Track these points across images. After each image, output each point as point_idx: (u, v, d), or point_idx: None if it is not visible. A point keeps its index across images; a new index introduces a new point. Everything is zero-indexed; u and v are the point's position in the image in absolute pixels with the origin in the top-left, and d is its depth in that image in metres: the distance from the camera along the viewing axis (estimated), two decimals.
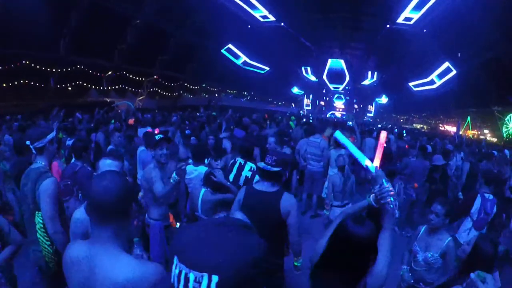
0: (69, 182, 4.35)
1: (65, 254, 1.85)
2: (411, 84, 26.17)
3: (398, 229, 7.43)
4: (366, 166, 2.53)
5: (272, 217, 3.52)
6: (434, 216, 3.75)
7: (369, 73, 33.62)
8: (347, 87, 37.79)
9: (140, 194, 4.76)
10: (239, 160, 5.06)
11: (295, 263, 3.82)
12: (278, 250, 3.73)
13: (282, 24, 24.24)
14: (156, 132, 8.35)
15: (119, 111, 13.06)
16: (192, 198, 4.51)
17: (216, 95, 35.43)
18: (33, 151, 3.30)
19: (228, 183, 4.44)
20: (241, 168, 4.94)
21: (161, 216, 4.42)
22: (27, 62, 16.00)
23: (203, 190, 4.31)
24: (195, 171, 5.10)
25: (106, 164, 3.41)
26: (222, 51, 27.98)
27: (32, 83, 16.64)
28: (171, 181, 4.18)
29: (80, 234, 2.69)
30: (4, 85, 15.28)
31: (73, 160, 5.14)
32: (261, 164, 3.72)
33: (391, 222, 2.34)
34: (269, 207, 3.55)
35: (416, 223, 7.12)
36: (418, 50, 22.71)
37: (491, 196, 5.17)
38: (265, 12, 22.20)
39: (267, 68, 31.69)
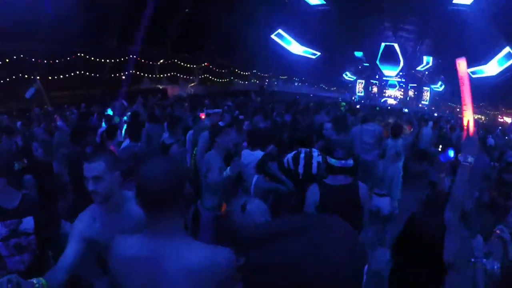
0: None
1: (116, 254, 1.77)
2: (469, 70, 24.86)
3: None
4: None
5: (354, 208, 3.42)
6: None
7: (424, 58, 32.30)
8: (401, 73, 36.54)
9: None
10: (303, 150, 4.84)
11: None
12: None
13: (331, 8, 23.69)
14: (201, 116, 8.54)
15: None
16: (246, 183, 4.58)
17: (267, 80, 35.34)
18: None
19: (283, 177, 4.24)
20: (308, 156, 4.65)
21: (214, 206, 4.46)
22: (81, 55, 16.71)
23: (255, 176, 4.28)
24: (252, 156, 4.94)
25: None
26: (272, 36, 27.86)
27: (87, 73, 17.37)
28: (224, 174, 4.25)
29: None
30: (61, 76, 16.06)
31: (127, 141, 5.39)
32: (332, 161, 3.56)
33: (456, 198, 2.33)
34: (350, 200, 3.45)
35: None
36: (476, 34, 21.48)
37: None
38: None
39: (318, 53, 31.25)
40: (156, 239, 1.69)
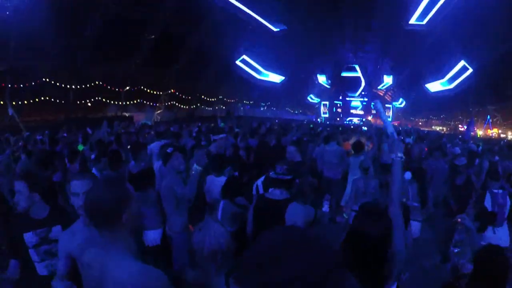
0: None
1: (81, 260, 2.00)
2: (427, 85, 25.82)
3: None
4: (391, 132, 2.78)
5: (277, 223, 3.47)
6: None
7: (384, 77, 33.37)
8: (363, 92, 37.58)
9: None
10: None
11: None
12: None
13: (293, 32, 24.27)
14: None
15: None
16: (212, 207, 4.65)
17: (232, 107, 35.60)
18: None
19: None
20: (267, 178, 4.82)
21: (183, 227, 4.46)
22: (47, 80, 16.51)
23: (222, 201, 4.31)
24: (216, 181, 5.10)
25: None
26: (237, 62, 28.18)
27: (52, 99, 17.11)
28: (193, 172, 4.30)
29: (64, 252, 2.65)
30: (26, 102, 15.77)
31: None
32: (273, 174, 3.72)
33: (396, 194, 2.46)
34: (275, 215, 3.49)
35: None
36: (433, 50, 22.42)
37: (500, 190, 5.19)
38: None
39: (283, 77, 31.76)
40: (101, 250, 1.88)
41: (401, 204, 2.55)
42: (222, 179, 4.85)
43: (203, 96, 30.77)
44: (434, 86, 24.94)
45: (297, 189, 4.01)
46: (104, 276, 1.78)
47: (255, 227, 3.71)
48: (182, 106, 28.73)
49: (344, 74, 35.19)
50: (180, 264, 4.28)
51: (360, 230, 2.15)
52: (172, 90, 26.35)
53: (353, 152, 8.25)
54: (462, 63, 21.14)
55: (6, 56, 14.39)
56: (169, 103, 26.96)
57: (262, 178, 5.06)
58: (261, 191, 4.49)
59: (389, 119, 35.31)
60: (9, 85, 15.23)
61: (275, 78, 30.58)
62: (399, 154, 2.53)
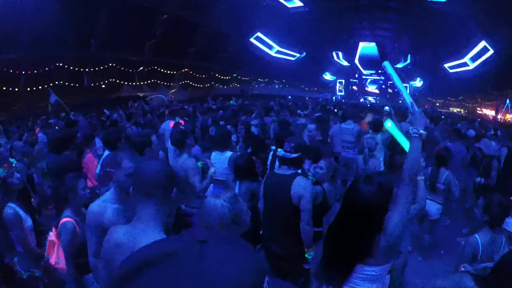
0: (108, 169, 4.60)
1: (108, 238, 2.00)
2: (446, 65, 25.20)
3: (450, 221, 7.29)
4: (411, 103, 2.62)
5: (284, 200, 3.52)
6: None
7: (402, 55, 32.71)
8: (380, 71, 36.89)
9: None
10: (273, 147, 5.27)
11: (306, 255, 3.64)
12: (294, 237, 3.59)
13: (309, 9, 23.84)
14: (181, 123, 8.56)
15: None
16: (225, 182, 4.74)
17: (247, 85, 35.40)
18: None
19: None
20: (275, 155, 5.00)
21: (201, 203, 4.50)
22: (60, 64, 16.57)
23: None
24: (221, 156, 5.22)
25: None
26: (251, 39, 27.88)
27: (66, 83, 17.20)
28: (210, 173, 4.43)
29: (94, 227, 2.69)
30: (40, 87, 15.90)
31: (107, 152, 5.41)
32: (280, 152, 3.77)
33: (408, 173, 2.31)
34: (282, 189, 3.57)
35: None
36: (453, 29, 21.72)
37: None
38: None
39: (298, 55, 31.37)
40: (135, 228, 1.91)
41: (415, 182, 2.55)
42: (227, 155, 5.08)
43: (217, 75, 30.64)
44: (453, 67, 24.40)
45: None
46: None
47: (265, 202, 3.81)
48: (196, 85, 28.66)
49: (361, 51, 34.57)
50: None
51: (355, 193, 2.18)
52: (186, 69, 26.27)
53: (370, 131, 7.99)
54: (483, 43, 20.48)
55: (20, 44, 14.48)
56: (183, 82, 26.91)
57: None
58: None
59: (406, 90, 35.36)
60: (23, 72, 15.34)
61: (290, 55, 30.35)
62: (420, 130, 2.37)
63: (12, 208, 3.39)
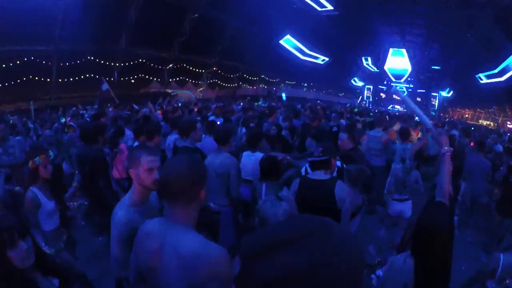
0: None
1: (141, 228, 2.05)
2: (477, 75, 24.68)
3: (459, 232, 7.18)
4: (432, 125, 2.95)
5: (328, 204, 3.55)
6: None
7: (432, 63, 32.26)
8: (409, 78, 36.39)
9: None
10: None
11: None
12: None
13: (338, 13, 23.75)
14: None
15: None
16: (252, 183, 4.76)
17: (274, 87, 35.45)
18: None
19: None
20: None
21: (230, 201, 4.57)
22: (91, 58, 16.99)
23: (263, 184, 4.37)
24: (252, 156, 5.15)
25: None
26: (281, 41, 27.95)
27: (97, 76, 17.63)
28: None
29: (126, 239, 2.36)
30: (71, 79, 16.34)
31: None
32: (310, 159, 3.87)
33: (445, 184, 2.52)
34: (324, 194, 3.60)
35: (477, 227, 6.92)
36: (485, 38, 21.26)
37: None
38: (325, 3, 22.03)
39: (327, 58, 31.28)
40: (165, 222, 1.96)
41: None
42: (258, 155, 4.90)
43: (245, 75, 30.79)
44: (485, 76, 23.87)
45: (349, 176, 4.13)
46: (164, 247, 1.86)
47: (300, 207, 3.61)
48: (224, 84, 28.88)
49: (391, 57, 34.22)
50: (226, 238, 4.32)
51: (431, 223, 2.28)
52: (214, 68, 26.50)
53: (397, 141, 7.98)
54: None
55: (52, 37, 14.92)
56: (211, 81, 27.15)
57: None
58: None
59: (435, 108, 34.49)
60: (55, 64, 15.80)
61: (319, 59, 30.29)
62: (448, 147, 2.60)
63: (33, 192, 3.55)
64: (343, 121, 11.03)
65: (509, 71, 21.12)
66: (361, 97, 40.65)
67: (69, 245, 3.92)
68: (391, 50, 33.63)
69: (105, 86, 13.51)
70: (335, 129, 9.36)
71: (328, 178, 3.72)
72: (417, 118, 10.03)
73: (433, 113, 35.07)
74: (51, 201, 3.68)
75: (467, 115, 34.11)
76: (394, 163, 7.68)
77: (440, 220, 2.24)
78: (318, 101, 32.64)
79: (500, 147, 10.21)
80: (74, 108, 13.93)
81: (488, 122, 30.17)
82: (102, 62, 17.86)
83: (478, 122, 31.00)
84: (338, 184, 3.61)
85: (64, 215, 3.92)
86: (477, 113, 32.92)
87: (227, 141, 4.69)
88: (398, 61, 34.12)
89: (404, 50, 32.83)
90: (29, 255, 2.10)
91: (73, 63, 16.39)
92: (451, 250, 2.24)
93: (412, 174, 6.13)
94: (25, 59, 14.73)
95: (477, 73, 24.47)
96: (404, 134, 7.74)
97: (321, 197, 3.59)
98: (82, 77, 16.86)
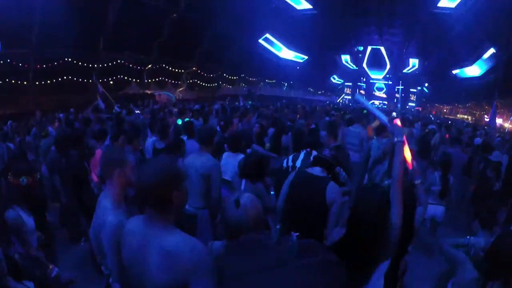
0: None
1: (125, 226, 2.06)
2: (454, 71, 25.14)
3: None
4: (387, 120, 3.00)
5: (317, 201, 3.53)
6: None
7: (410, 60, 32.70)
8: (387, 75, 36.87)
9: None
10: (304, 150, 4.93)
11: None
12: (317, 237, 3.50)
13: (317, 12, 23.91)
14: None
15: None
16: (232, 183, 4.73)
17: (254, 86, 35.39)
18: None
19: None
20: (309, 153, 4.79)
21: (205, 203, 4.44)
22: (69, 60, 16.75)
23: (243, 180, 4.28)
24: (233, 158, 5.11)
25: None
26: (260, 40, 27.98)
27: (75, 79, 17.36)
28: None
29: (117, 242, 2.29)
30: (49, 81, 16.09)
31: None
32: (317, 154, 3.99)
33: (396, 173, 2.61)
34: (315, 190, 3.58)
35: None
36: (461, 36, 21.67)
37: None
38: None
39: (306, 57, 31.44)
40: (148, 220, 1.92)
41: (410, 186, 2.87)
42: (239, 156, 4.91)
43: (225, 74, 30.70)
44: (462, 73, 24.36)
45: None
46: (146, 244, 1.85)
47: (289, 201, 3.77)
48: (204, 84, 28.73)
49: (369, 55, 34.65)
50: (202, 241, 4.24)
51: (361, 204, 2.40)
52: (194, 68, 26.35)
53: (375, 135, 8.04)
54: (491, 51, 20.44)
55: (29, 40, 14.71)
56: (190, 81, 26.99)
57: (291, 156, 5.00)
58: (290, 163, 4.52)
59: (413, 104, 34.98)
60: (31, 67, 15.58)
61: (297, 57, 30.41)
62: (399, 138, 2.71)
63: (15, 211, 3.16)
64: (327, 118, 11.15)
65: (485, 66, 21.59)
66: (344, 94, 41.05)
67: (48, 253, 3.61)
68: (369, 47, 34.00)
69: (100, 89, 13.54)
70: (313, 126, 9.42)
71: (323, 176, 3.70)
72: (394, 114, 10.16)
73: (413, 109, 35.67)
74: (29, 217, 3.28)
75: (445, 110, 34.66)
76: (371, 158, 7.80)
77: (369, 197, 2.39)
78: (298, 99, 32.76)
79: (479, 140, 10.38)
80: (118, 104, 14.28)
81: (465, 117, 30.68)
82: (80, 64, 17.56)
83: (457, 117, 31.50)
84: (330, 184, 3.58)
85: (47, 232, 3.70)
86: (454, 108, 33.48)
87: (211, 142, 4.58)
88: (376, 59, 34.57)
89: (382, 48, 33.23)
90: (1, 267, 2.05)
91: (50, 65, 16.09)
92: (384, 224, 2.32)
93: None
94: (1, 61, 14.45)
95: (455, 69, 24.96)
96: (379, 130, 7.79)
97: (311, 193, 3.58)
98: (60, 79, 16.55)
